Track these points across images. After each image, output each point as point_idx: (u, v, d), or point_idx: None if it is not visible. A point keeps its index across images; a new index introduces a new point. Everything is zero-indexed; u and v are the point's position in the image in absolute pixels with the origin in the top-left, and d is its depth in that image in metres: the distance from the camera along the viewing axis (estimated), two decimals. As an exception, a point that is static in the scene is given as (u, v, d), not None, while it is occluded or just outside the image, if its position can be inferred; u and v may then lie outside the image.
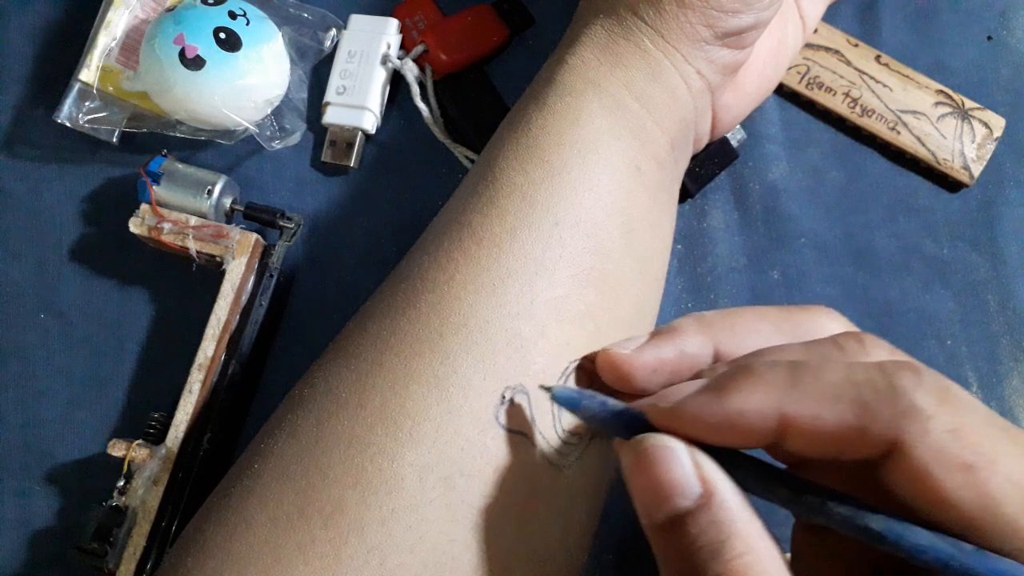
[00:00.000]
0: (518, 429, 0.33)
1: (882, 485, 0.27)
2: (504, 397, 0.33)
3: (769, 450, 0.29)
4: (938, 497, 0.25)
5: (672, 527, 0.27)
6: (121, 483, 0.44)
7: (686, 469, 0.27)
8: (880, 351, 0.30)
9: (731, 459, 0.28)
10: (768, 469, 0.28)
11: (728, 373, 0.28)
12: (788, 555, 0.34)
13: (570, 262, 0.35)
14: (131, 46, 0.49)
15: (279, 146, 0.49)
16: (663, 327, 0.35)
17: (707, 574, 0.26)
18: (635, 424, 0.30)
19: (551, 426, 0.34)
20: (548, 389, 0.33)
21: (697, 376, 0.31)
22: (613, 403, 0.31)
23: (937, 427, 0.25)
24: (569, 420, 0.35)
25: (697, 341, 0.33)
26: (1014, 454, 0.25)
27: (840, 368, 0.27)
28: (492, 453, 0.33)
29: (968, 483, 0.25)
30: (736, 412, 0.27)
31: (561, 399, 0.32)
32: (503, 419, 0.33)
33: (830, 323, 0.34)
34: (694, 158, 0.46)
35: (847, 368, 0.27)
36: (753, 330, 0.33)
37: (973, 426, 0.25)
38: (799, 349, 0.30)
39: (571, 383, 0.35)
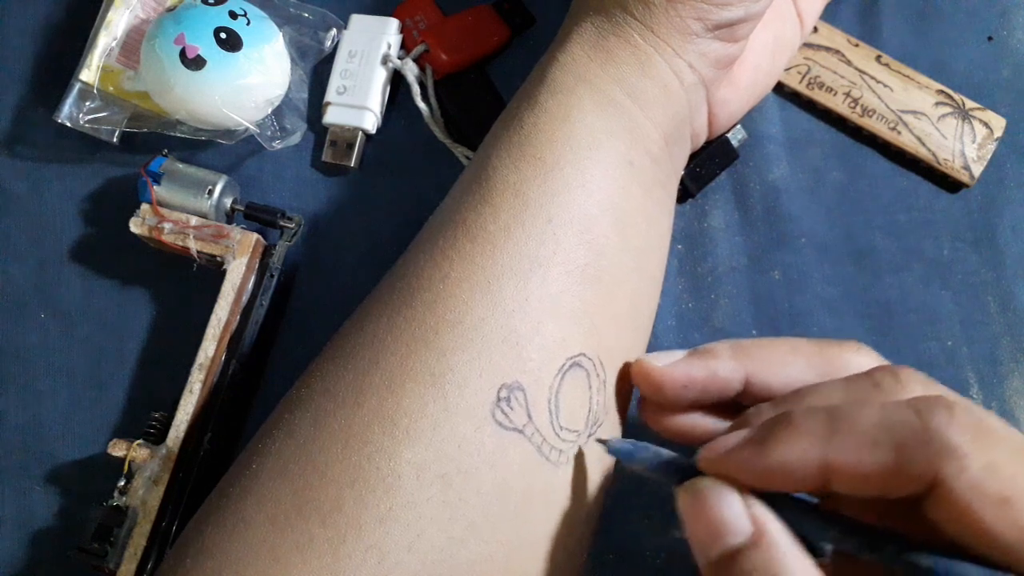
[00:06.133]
0: (515, 426, 0.33)
1: (925, 518, 0.28)
2: (500, 394, 0.33)
3: None
4: (979, 530, 0.26)
5: (726, 565, 0.29)
6: (122, 483, 0.44)
7: (737, 509, 0.29)
8: (915, 385, 0.31)
9: (780, 500, 0.30)
10: (817, 510, 0.30)
11: (770, 424, 0.30)
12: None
13: (564, 258, 0.36)
14: (132, 46, 0.49)
15: (280, 146, 0.49)
16: (700, 348, 0.36)
17: None
18: (687, 473, 0.32)
19: (548, 423, 0.34)
20: (604, 442, 0.34)
21: (741, 422, 0.33)
22: (666, 453, 0.33)
23: (973, 464, 0.26)
24: (566, 417, 0.35)
25: (730, 366, 0.35)
26: None
27: (876, 411, 0.28)
28: (489, 450, 0.33)
29: (1007, 515, 0.26)
30: (780, 463, 0.29)
31: (616, 451, 0.34)
32: (500, 416, 0.33)
33: (861, 358, 0.35)
34: (695, 157, 0.46)
35: (883, 410, 0.28)
36: (786, 362, 0.35)
37: (1008, 459, 0.26)
38: (838, 388, 0.32)
39: (567, 381, 0.35)
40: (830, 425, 0.28)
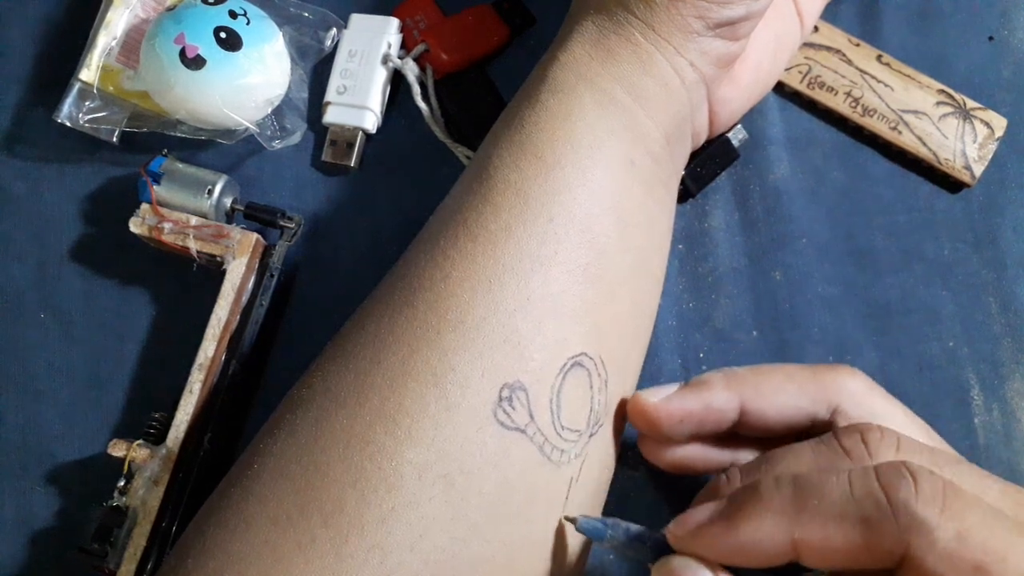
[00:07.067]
0: (517, 426, 0.33)
1: None
2: (502, 394, 0.33)
3: None
4: None
5: None
6: (122, 483, 0.44)
7: None
8: (884, 449, 0.31)
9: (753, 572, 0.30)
10: None
11: (738, 498, 0.30)
12: None
13: (565, 258, 0.36)
14: (131, 45, 0.49)
15: (280, 146, 0.49)
16: (693, 380, 0.37)
17: None
18: (659, 548, 0.32)
19: (550, 423, 0.34)
20: (572, 520, 0.34)
21: (712, 491, 0.33)
22: (635, 529, 0.33)
23: (943, 536, 0.26)
24: (568, 417, 0.35)
25: (724, 396, 0.36)
26: (1022, 546, 0.26)
27: (843, 484, 0.28)
28: (491, 450, 0.33)
29: None
30: (749, 541, 0.29)
31: (586, 530, 0.34)
32: (502, 416, 0.33)
33: (855, 383, 0.36)
34: (695, 157, 0.46)
35: (849, 483, 0.28)
36: (780, 390, 0.36)
37: (979, 526, 0.27)
38: (806, 453, 0.32)
39: (569, 380, 0.35)
40: (797, 499, 0.29)
